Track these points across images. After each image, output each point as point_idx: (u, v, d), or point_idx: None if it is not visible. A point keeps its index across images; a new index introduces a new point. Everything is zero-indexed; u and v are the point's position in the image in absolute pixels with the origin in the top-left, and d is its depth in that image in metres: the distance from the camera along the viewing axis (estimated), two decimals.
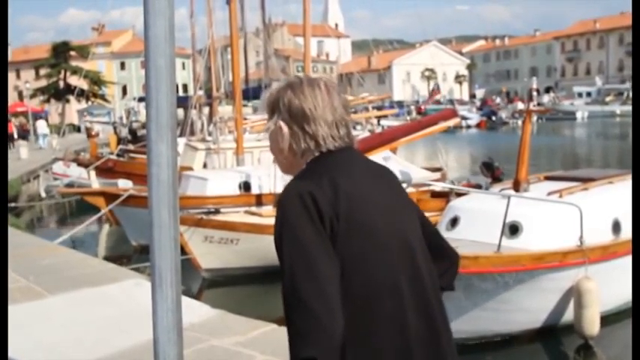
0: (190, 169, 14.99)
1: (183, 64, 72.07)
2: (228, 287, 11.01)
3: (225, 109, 21.71)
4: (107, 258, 12.08)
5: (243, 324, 5.02)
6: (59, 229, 16.70)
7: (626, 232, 7.75)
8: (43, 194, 20.43)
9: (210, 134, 17.97)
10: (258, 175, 12.29)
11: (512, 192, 8.30)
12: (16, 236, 9.09)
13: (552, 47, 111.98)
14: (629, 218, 7.20)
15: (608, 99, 77.60)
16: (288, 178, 1.82)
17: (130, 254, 13.20)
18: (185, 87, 72.67)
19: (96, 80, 65.69)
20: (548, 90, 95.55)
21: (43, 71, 67.04)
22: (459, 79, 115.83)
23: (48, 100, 65.42)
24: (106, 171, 17.91)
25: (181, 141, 17.35)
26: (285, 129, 1.79)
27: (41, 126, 39.40)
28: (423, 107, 61.76)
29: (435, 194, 12.69)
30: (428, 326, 1.74)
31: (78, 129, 54.96)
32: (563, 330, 7.78)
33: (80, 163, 20.37)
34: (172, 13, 1.74)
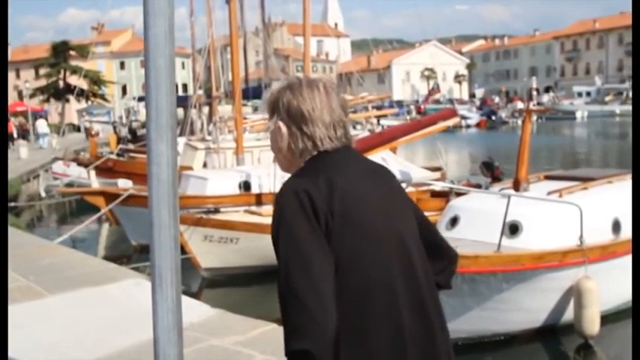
0: (190, 168, 14.99)
1: (183, 63, 72.04)
2: (227, 287, 11.01)
3: (224, 109, 21.72)
4: (107, 258, 12.07)
5: (242, 323, 5.02)
6: (59, 229, 16.70)
7: (626, 232, 7.75)
8: (43, 194, 20.42)
9: (210, 134, 17.97)
10: (258, 175, 12.29)
11: (512, 191, 8.31)
12: (16, 236, 9.09)
13: (552, 47, 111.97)
14: (628, 218, 7.21)
15: (607, 99, 77.59)
16: (288, 177, 1.84)
17: (129, 254, 13.20)
18: (185, 86, 72.64)
19: (95, 80, 65.66)
20: (547, 90, 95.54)
21: (42, 71, 67.00)
22: (458, 78, 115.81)
23: (47, 100, 65.36)
24: (105, 170, 17.91)
25: (181, 140, 17.34)
26: (284, 129, 1.83)
27: (41, 125, 39.36)
28: (422, 107, 61.71)
29: (435, 194, 12.69)
30: (423, 325, 1.76)
31: (78, 128, 54.90)
32: (563, 329, 7.78)
33: (80, 163, 20.39)
34: (172, 13, 1.74)
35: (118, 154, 21.72)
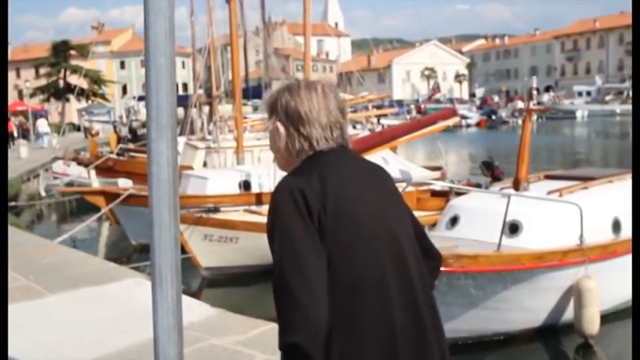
0: (190, 168, 14.99)
1: (183, 63, 72.01)
2: (227, 286, 11.01)
3: (225, 108, 21.71)
4: (107, 257, 12.08)
5: (242, 323, 5.02)
6: (59, 228, 16.68)
7: (626, 231, 7.75)
8: (43, 193, 20.41)
9: (210, 133, 17.97)
10: (258, 174, 12.29)
11: (512, 191, 8.30)
12: (16, 235, 9.09)
13: (552, 46, 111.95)
14: (629, 217, 7.20)
15: (607, 98, 77.58)
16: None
17: (130, 253, 13.19)
18: (185, 86, 72.59)
19: (96, 79, 65.64)
20: (548, 89, 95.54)
21: (42, 70, 67.00)
22: (458, 78, 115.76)
23: (48, 99, 65.35)
24: (106, 170, 17.90)
25: (181, 140, 17.34)
26: (282, 130, 1.88)
27: (42, 125, 39.36)
28: (423, 106, 61.71)
29: (435, 193, 12.69)
30: (415, 324, 1.79)
31: (78, 128, 54.90)
32: (563, 329, 7.78)
33: (80, 162, 20.38)
34: (172, 12, 1.74)
35: (118, 154, 21.71)
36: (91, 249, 13.55)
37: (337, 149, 1.87)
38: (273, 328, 4.71)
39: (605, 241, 7.79)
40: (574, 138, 47.29)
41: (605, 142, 41.86)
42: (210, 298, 8.99)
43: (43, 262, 7.34)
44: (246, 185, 12.32)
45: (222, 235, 10.85)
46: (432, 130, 14.00)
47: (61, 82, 64.42)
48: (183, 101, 22.10)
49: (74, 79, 55.23)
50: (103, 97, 68.09)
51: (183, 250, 10.23)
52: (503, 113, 67.08)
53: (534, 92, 68.08)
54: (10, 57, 71.82)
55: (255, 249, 10.28)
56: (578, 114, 68.94)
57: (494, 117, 64.12)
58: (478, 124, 60.54)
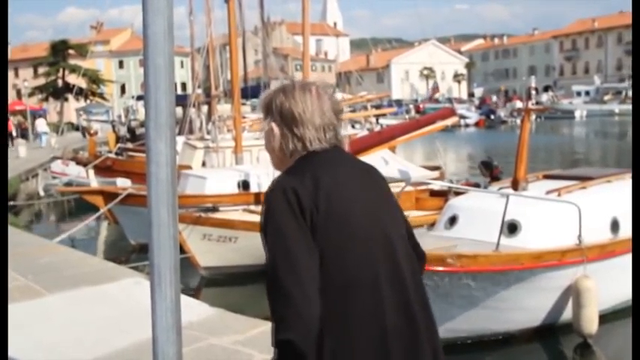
0: (189, 167, 14.98)
1: (182, 62, 72.01)
2: (226, 286, 11.00)
3: (223, 108, 21.70)
4: (106, 257, 12.07)
5: (242, 323, 5.02)
6: (58, 228, 16.66)
7: (625, 231, 7.75)
8: (42, 193, 20.38)
9: (208, 133, 17.96)
10: (257, 174, 12.29)
11: (510, 191, 8.30)
12: (14, 235, 9.09)
13: (551, 46, 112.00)
14: (627, 217, 7.20)
15: (606, 98, 77.61)
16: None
17: (128, 253, 13.18)
18: (184, 85, 72.52)
19: (94, 79, 65.58)
20: (546, 89, 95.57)
21: (41, 70, 66.95)
22: (457, 77, 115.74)
23: (46, 99, 65.32)
24: (104, 170, 17.88)
25: (180, 139, 17.33)
26: (276, 130, 1.91)
27: (41, 124, 39.32)
28: (421, 106, 61.72)
29: (434, 193, 12.69)
30: (407, 324, 1.81)
31: (77, 128, 54.81)
32: (562, 329, 7.78)
33: (79, 162, 20.35)
34: (171, 12, 1.74)
35: (116, 153, 21.67)
36: (90, 249, 13.54)
37: (330, 149, 1.89)
38: (271, 327, 4.71)
39: (604, 241, 7.79)
40: (572, 138, 47.31)
41: (603, 141, 41.89)
42: (209, 298, 8.99)
43: (42, 261, 7.34)
44: (244, 185, 12.32)
45: (221, 235, 10.85)
46: (431, 130, 14.00)
47: (60, 82, 64.38)
48: (181, 101, 22.07)
49: (73, 79, 55.24)
50: (101, 96, 68.06)
51: (182, 251, 10.23)
52: (502, 113, 67.05)
53: (533, 92, 68.25)
54: (9, 56, 71.75)
55: (254, 248, 10.21)
56: (577, 114, 68.95)
57: (492, 117, 64.13)
58: (477, 124, 60.55)
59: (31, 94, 57.01)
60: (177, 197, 1.81)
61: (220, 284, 11.05)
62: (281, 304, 1.68)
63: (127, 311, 5.29)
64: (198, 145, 16.56)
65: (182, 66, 72.89)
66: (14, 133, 39.54)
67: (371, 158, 12.39)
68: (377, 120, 25.17)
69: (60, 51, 64.04)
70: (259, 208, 11.03)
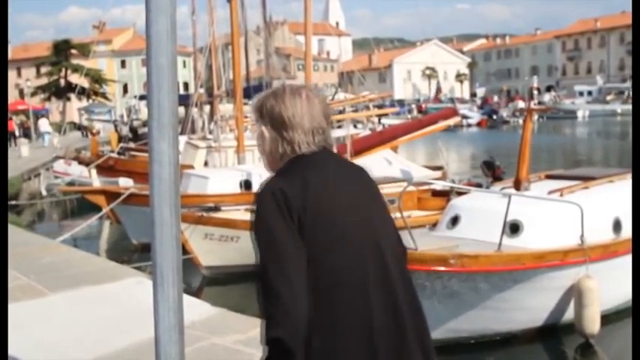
0: (191, 167, 14.99)
1: (185, 62, 71.93)
2: (228, 285, 11.00)
3: (226, 108, 21.71)
4: (108, 256, 12.07)
5: (243, 322, 5.03)
6: (60, 228, 16.67)
7: (627, 231, 7.74)
8: (44, 192, 20.41)
9: (211, 132, 17.97)
10: (259, 174, 12.27)
11: (512, 191, 8.29)
12: (16, 234, 9.10)
13: (553, 46, 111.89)
14: (629, 217, 7.20)
15: (609, 98, 77.52)
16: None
17: (131, 253, 13.20)
18: (186, 85, 72.52)
19: (97, 78, 65.64)
20: (549, 89, 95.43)
21: (44, 69, 66.99)
22: (459, 77, 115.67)
23: (49, 98, 65.36)
24: (106, 169, 17.91)
25: (182, 139, 17.33)
26: (267, 134, 1.96)
27: (43, 124, 39.36)
28: (423, 106, 61.70)
29: (436, 193, 12.68)
30: (395, 322, 1.84)
31: (79, 127, 54.91)
32: (564, 329, 7.78)
33: (81, 162, 20.38)
34: (174, 11, 1.74)
35: (119, 153, 21.70)
36: (92, 248, 13.55)
37: (319, 152, 1.92)
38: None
39: (606, 241, 7.78)
40: (575, 138, 47.26)
41: (606, 141, 41.84)
42: (211, 298, 8.99)
43: (44, 261, 7.35)
44: (247, 184, 12.32)
45: (222, 235, 10.85)
46: (433, 130, 14.01)
47: (62, 81, 64.44)
48: (184, 100, 22.10)
49: (75, 78, 55.28)
50: (104, 96, 68.07)
51: (185, 251, 10.23)
52: (504, 113, 67.02)
53: (535, 92, 68.06)
54: (11, 56, 71.90)
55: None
56: (579, 114, 68.88)
57: (495, 117, 64.07)
58: (479, 124, 60.51)
59: (33, 94, 57.05)
60: (179, 197, 1.81)
61: (222, 284, 11.06)
62: (270, 303, 1.72)
63: (129, 311, 5.29)
64: (201, 145, 16.57)
65: (184, 66, 72.85)
66: (17, 133, 39.61)
67: (373, 158, 12.41)
68: (379, 120, 25.17)
69: (62, 50, 64.11)
70: None
